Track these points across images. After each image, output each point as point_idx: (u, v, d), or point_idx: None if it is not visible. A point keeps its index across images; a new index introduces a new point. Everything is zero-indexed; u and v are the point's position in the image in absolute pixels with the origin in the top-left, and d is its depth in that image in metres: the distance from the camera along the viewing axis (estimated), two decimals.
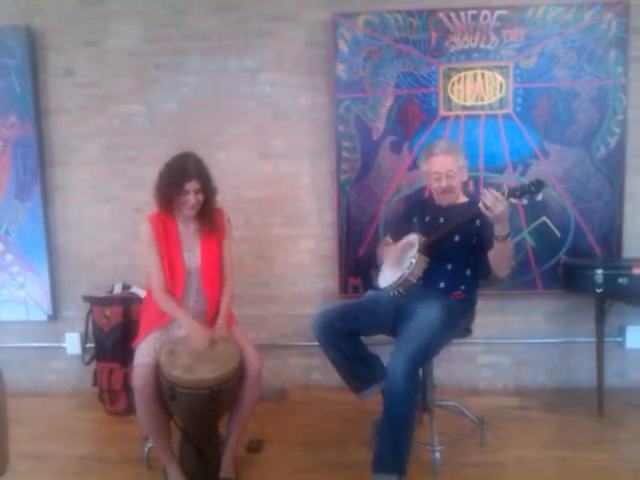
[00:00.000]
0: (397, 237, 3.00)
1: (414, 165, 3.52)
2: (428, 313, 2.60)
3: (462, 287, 2.77)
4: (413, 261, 2.71)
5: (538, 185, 2.44)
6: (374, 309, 2.79)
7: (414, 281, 2.71)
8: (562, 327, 3.73)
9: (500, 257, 2.61)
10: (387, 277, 2.88)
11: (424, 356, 2.57)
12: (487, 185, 3.52)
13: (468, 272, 2.80)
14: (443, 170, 2.78)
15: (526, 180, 2.55)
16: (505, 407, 3.48)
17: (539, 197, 2.49)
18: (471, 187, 3.52)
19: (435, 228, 2.79)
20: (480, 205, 2.43)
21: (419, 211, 2.97)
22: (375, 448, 2.51)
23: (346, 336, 2.70)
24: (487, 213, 2.42)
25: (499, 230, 2.48)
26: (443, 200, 2.87)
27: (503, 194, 2.43)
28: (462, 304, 2.77)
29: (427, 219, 2.90)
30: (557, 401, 3.54)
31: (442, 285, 2.75)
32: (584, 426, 3.19)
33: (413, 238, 2.83)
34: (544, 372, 3.79)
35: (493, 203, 2.39)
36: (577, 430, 3.14)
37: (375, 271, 3.10)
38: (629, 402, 3.48)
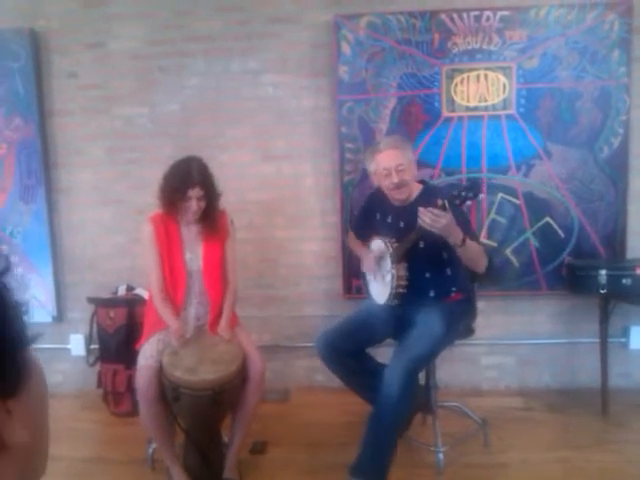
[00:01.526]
0: (362, 234, 2.99)
1: (417, 166, 3.51)
2: (429, 321, 2.59)
3: (453, 288, 2.75)
4: (394, 272, 2.67)
5: (474, 188, 2.39)
6: (374, 322, 2.79)
7: (403, 290, 2.69)
8: (566, 328, 3.72)
9: (468, 259, 2.57)
10: (377, 291, 2.86)
11: (422, 363, 2.58)
12: (491, 186, 3.54)
13: (449, 272, 2.73)
14: (392, 165, 2.66)
15: (461, 185, 2.49)
16: (509, 408, 3.48)
17: (480, 197, 2.45)
18: None
19: (396, 232, 2.73)
20: (421, 223, 2.39)
21: (380, 208, 2.89)
22: (358, 453, 2.50)
23: (351, 353, 2.71)
24: (431, 230, 2.38)
25: (452, 240, 2.44)
26: (397, 199, 2.76)
27: (444, 206, 2.36)
28: (461, 305, 2.75)
29: (389, 220, 2.83)
30: (561, 402, 3.54)
31: (432, 294, 2.72)
32: (588, 427, 3.18)
33: (381, 246, 2.77)
34: (548, 373, 3.78)
35: (433, 220, 2.34)
36: (581, 431, 3.14)
37: (362, 281, 3.10)
38: (633, 403, 3.47)
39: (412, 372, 2.48)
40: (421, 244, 2.66)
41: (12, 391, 0.52)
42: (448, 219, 2.35)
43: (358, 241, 3.09)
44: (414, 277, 2.69)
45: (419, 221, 2.39)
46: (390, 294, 2.70)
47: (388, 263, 2.72)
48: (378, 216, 2.90)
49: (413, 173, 2.77)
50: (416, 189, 2.80)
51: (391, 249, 2.70)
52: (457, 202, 2.39)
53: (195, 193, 2.60)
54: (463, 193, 2.38)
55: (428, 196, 2.65)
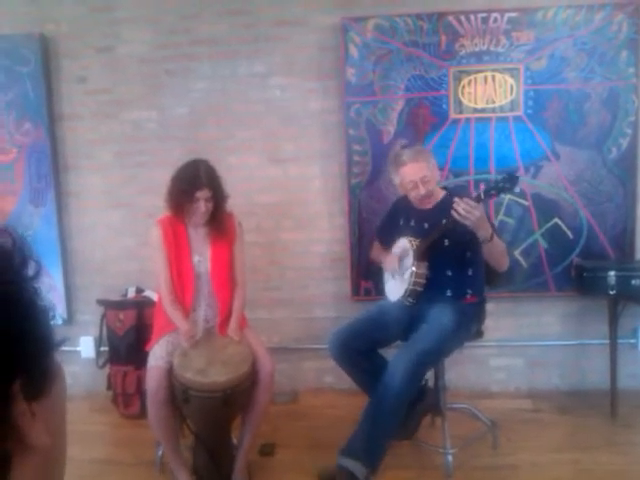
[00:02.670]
0: (386, 240, 3.00)
1: None
2: (441, 317, 2.60)
3: (469, 291, 2.76)
4: (414, 270, 2.69)
5: (512, 180, 2.39)
6: (387, 321, 2.79)
7: (420, 289, 2.71)
8: (575, 329, 3.71)
9: (493, 256, 2.60)
10: (393, 289, 2.88)
11: (429, 358, 2.57)
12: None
13: (470, 272, 2.76)
14: (417, 177, 2.71)
15: (499, 176, 2.53)
16: (518, 410, 3.47)
17: (517, 189, 2.48)
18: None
19: (421, 234, 2.76)
20: (454, 215, 2.40)
21: (404, 213, 2.93)
22: (351, 434, 2.50)
23: (363, 353, 2.72)
24: (464, 222, 2.39)
25: (482, 234, 2.47)
26: (427, 204, 2.82)
27: (480, 197, 2.39)
28: (474, 307, 2.77)
29: (412, 223, 2.86)
30: (570, 403, 3.52)
31: (449, 293, 2.74)
32: (597, 428, 3.17)
33: (405, 244, 2.80)
34: (557, 374, 3.77)
35: (467, 212, 2.36)
36: (590, 432, 3.13)
37: (380, 281, 3.10)
38: None
39: (416, 365, 2.47)
40: (446, 242, 2.68)
41: (38, 394, 0.53)
42: (481, 211, 2.38)
43: (381, 249, 3.09)
44: (435, 274, 2.71)
45: (452, 212, 2.41)
46: (407, 289, 2.71)
47: (410, 260, 2.74)
48: (402, 221, 2.93)
49: (435, 180, 2.82)
50: (439, 193, 2.85)
51: (414, 246, 2.73)
52: (493, 192, 2.41)
53: (203, 195, 2.61)
54: (500, 184, 2.39)
55: (451, 199, 2.66)
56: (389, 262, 2.90)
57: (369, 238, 3.63)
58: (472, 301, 2.76)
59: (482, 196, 2.40)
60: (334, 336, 2.74)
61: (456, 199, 2.42)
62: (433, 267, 2.71)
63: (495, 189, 2.41)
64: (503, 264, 2.67)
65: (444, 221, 2.51)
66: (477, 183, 3.53)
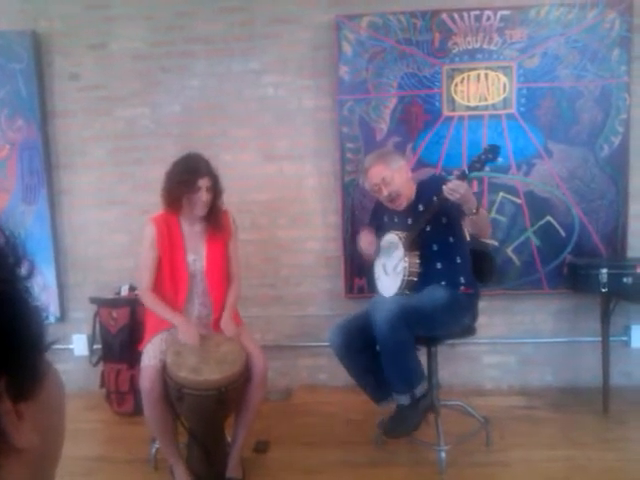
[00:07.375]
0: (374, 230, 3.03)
1: (418, 165, 3.54)
2: (433, 292, 2.66)
3: (462, 279, 2.78)
4: (406, 262, 2.72)
5: (493, 150, 2.49)
6: None
7: (415, 279, 2.73)
8: (567, 327, 3.73)
9: (479, 225, 2.67)
10: (387, 285, 2.88)
11: (413, 313, 2.56)
12: (492, 185, 3.55)
13: (458, 259, 2.79)
14: (378, 180, 2.78)
15: (481, 150, 2.59)
16: (511, 407, 3.48)
17: (499, 160, 2.58)
18: (475, 188, 3.52)
19: (406, 229, 2.80)
20: (445, 194, 2.48)
21: (386, 213, 2.95)
22: (386, 380, 2.61)
23: (363, 348, 2.73)
24: (452, 199, 2.47)
25: (468, 208, 2.53)
26: (398, 205, 2.85)
27: (464, 173, 2.48)
28: (468, 299, 2.78)
29: (396, 220, 2.89)
30: (563, 400, 3.54)
31: (444, 283, 2.75)
32: (590, 425, 3.18)
33: (393, 238, 2.83)
34: (550, 372, 3.78)
35: (452, 190, 2.44)
36: (583, 429, 3.14)
37: (369, 277, 3.11)
38: (634, 401, 3.47)
39: (401, 310, 2.50)
40: (427, 228, 2.73)
41: (25, 394, 0.53)
42: (465, 188, 2.45)
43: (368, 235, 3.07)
44: (426, 269, 2.74)
45: (442, 187, 2.49)
46: (402, 281, 2.73)
47: (401, 252, 2.76)
48: (386, 219, 2.95)
49: (403, 178, 2.82)
50: (411, 191, 2.87)
51: (403, 239, 2.76)
52: (477, 165, 2.50)
53: (205, 183, 2.62)
54: (483, 156, 2.49)
55: (424, 192, 2.78)
56: (365, 240, 2.95)
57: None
58: (467, 292, 2.78)
59: (467, 171, 2.50)
60: (337, 330, 2.75)
61: (443, 186, 2.50)
62: (423, 262, 2.75)
63: (479, 162, 2.50)
64: (487, 232, 2.79)
65: (434, 198, 2.60)
66: (470, 180, 3.54)
